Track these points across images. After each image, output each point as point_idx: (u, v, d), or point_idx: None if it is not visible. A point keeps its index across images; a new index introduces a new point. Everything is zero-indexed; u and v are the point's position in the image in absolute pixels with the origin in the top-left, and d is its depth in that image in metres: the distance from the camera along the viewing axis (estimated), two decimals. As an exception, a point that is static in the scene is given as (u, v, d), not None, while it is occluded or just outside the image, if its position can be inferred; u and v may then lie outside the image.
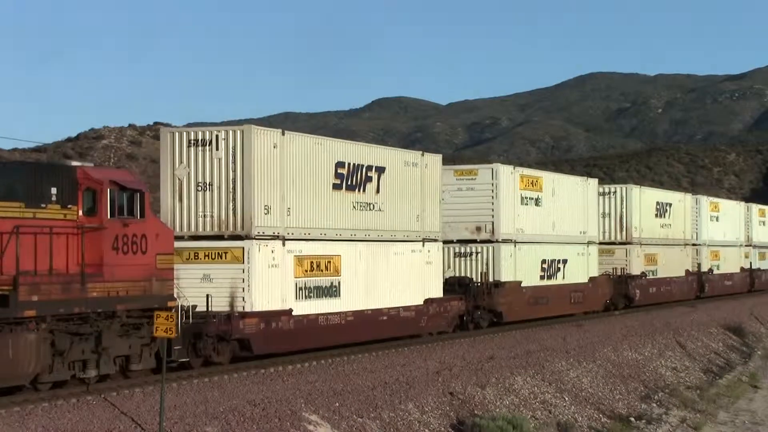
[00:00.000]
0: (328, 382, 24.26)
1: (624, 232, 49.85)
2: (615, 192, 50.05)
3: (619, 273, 49.10)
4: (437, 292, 34.24)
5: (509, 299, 38.05)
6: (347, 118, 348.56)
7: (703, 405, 32.58)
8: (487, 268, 37.48)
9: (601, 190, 48.74)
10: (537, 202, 40.73)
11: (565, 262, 42.76)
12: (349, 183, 30.08)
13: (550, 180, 42.58)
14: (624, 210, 49.87)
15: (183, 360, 24.04)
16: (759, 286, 71.29)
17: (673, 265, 55.19)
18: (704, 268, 60.57)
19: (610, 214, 49.71)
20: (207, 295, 25.45)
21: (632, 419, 29.22)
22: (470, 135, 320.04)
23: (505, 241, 38.09)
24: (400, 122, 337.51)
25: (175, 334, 19.77)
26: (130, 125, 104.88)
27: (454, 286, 36.28)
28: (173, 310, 22.95)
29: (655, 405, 31.57)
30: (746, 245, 69.56)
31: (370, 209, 30.94)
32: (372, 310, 30.77)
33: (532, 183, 40.55)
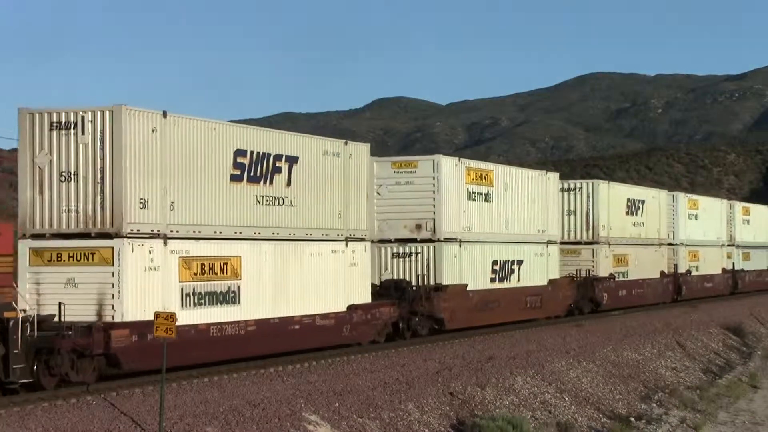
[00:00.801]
0: (328, 382, 24.27)
1: (591, 231, 46.22)
2: (581, 188, 46.51)
3: (584, 275, 45.51)
4: (364, 297, 30.95)
5: (452, 304, 34.64)
6: (347, 118, 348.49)
7: (702, 405, 32.50)
8: (428, 270, 34.14)
9: (565, 185, 45.95)
10: (487, 197, 37.25)
11: (520, 263, 39.42)
12: (252, 174, 26.59)
13: (503, 173, 38.99)
14: (590, 207, 46.23)
15: (25, 381, 20.91)
16: (743, 288, 67.40)
17: (646, 267, 51.65)
18: (681, 270, 56.96)
19: (575, 211, 46.27)
20: (59, 304, 22.01)
21: (632, 419, 29.17)
22: (470, 135, 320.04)
23: (448, 240, 34.73)
24: (400, 122, 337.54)
25: (174, 335, 19.67)
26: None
27: (389, 289, 33.02)
28: (11, 322, 20.40)
29: (655, 405, 31.55)
30: (729, 245, 65.85)
31: (279, 204, 27.51)
32: (280, 318, 27.27)
33: (480, 177, 37.00)
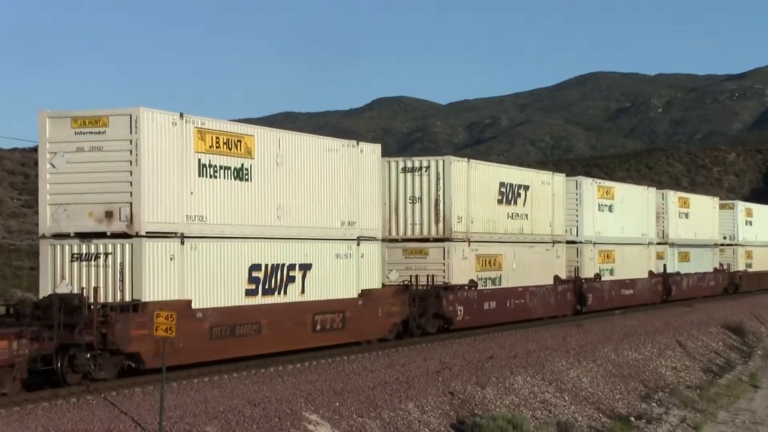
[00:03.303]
0: (329, 381, 24.21)
1: (441, 224, 34.66)
2: (428, 167, 34.78)
3: (429, 282, 33.76)
4: None
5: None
6: (347, 118, 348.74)
7: (703, 404, 32.48)
8: (122, 280, 23.18)
9: (408, 164, 35.01)
10: (241, 174, 25.91)
11: (305, 268, 27.97)
12: None
13: (274, 141, 27.13)
14: (441, 193, 34.65)
15: None
16: (678, 294, 54.91)
17: (530, 271, 39.82)
18: (587, 274, 44.99)
19: (421, 198, 34.77)
20: None
21: (632, 419, 29.06)
22: (470, 135, 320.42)
23: (158, 234, 23.55)
24: (400, 122, 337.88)
25: (175, 334, 19.64)
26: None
27: (50, 310, 22.05)
28: None
29: (655, 404, 31.49)
30: (659, 243, 53.89)
31: None
32: None
33: (227, 144, 25.58)
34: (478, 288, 36.06)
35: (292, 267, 27.62)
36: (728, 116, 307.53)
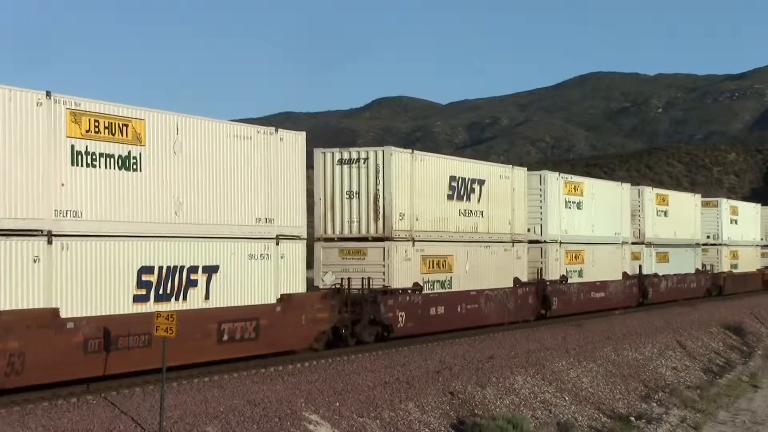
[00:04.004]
0: (329, 381, 24.22)
1: (381, 222, 31.51)
2: (366, 158, 31.71)
3: (365, 286, 30.64)
4: None
5: (13, 346, 19.70)
6: (347, 118, 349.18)
7: (703, 404, 32.40)
8: None
9: (345, 156, 31.93)
10: (128, 163, 22.56)
11: (210, 270, 24.62)
12: None
13: (169, 126, 23.68)
14: (380, 187, 31.53)
15: None
16: (655, 297, 51.74)
17: (487, 273, 36.55)
18: (552, 276, 41.60)
19: (359, 193, 31.69)
20: None
21: (632, 419, 29.10)
22: (470, 134, 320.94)
23: (15, 233, 20.07)
24: (400, 122, 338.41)
25: (174, 334, 19.62)
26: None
27: None
28: None
29: (655, 404, 31.42)
30: (635, 242, 50.66)
31: None
32: None
33: (109, 128, 22.11)
34: (424, 292, 32.69)
35: (193, 269, 24.18)
36: (728, 116, 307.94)
